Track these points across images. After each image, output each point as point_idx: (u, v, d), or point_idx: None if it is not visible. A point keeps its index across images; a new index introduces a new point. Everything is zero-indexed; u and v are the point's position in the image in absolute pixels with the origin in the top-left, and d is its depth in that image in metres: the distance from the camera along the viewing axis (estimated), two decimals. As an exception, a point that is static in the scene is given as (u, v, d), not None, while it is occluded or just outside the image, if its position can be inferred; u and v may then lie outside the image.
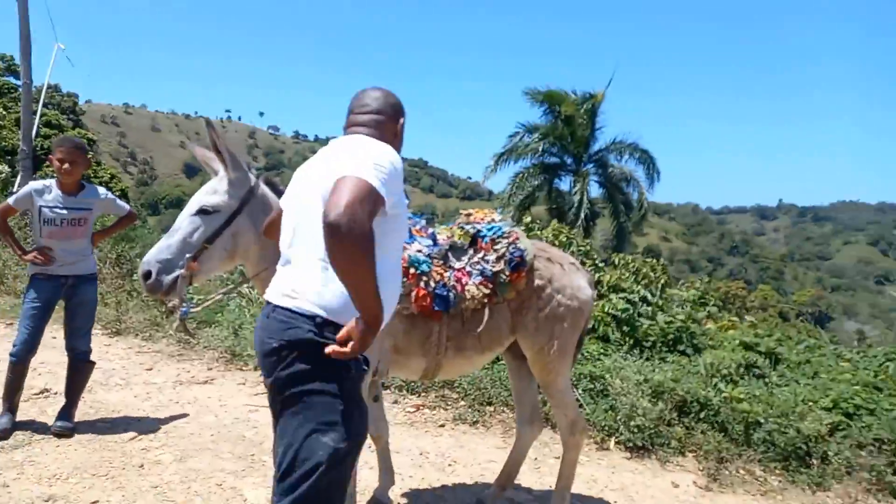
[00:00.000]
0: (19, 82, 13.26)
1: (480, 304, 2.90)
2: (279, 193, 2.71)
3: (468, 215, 3.28)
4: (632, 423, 4.52)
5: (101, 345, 5.94)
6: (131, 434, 4.12)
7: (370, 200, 1.65)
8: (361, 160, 1.75)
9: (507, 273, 2.92)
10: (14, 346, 3.97)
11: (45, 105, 18.21)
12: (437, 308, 2.81)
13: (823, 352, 6.01)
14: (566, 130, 21.69)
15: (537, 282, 3.02)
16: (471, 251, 3.00)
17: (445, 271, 2.87)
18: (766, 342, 5.75)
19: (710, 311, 7.79)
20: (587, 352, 5.75)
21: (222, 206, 2.55)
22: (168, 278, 2.44)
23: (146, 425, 4.31)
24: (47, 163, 4.18)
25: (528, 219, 8.47)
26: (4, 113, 26.75)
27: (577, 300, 3.11)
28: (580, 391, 5.00)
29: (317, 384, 1.76)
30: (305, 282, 1.84)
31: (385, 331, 2.49)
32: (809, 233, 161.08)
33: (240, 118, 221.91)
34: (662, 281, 8.15)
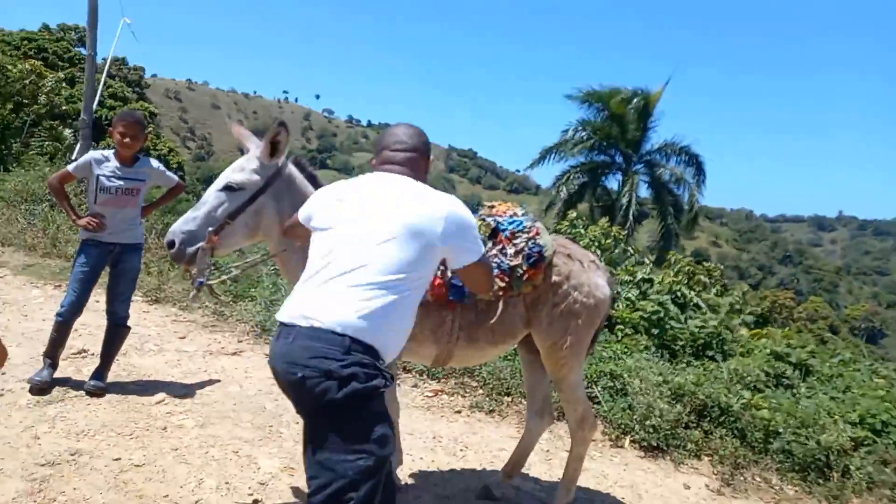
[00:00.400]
0: (89, 53, 13.82)
1: (495, 297, 2.89)
2: (308, 175, 2.82)
3: (491, 207, 3.25)
4: (647, 422, 4.49)
5: (139, 311, 6.18)
6: (158, 398, 4.30)
7: None
8: (475, 239, 2.10)
9: (525, 268, 2.89)
10: (62, 306, 4.17)
11: (111, 77, 18.90)
12: (451, 298, 2.82)
13: (858, 367, 5.83)
14: (616, 129, 21.40)
15: (555, 277, 3.00)
16: (490, 243, 2.96)
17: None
18: (798, 353, 5.61)
19: (745, 319, 7.64)
20: (611, 350, 5.72)
21: (247, 184, 2.63)
22: (191, 249, 2.54)
23: (173, 390, 4.48)
24: (108, 133, 4.36)
25: (574, 214, 8.42)
26: (75, 83, 27.93)
27: (593, 298, 3.08)
28: (599, 388, 4.98)
29: (357, 402, 1.82)
30: (344, 306, 1.86)
31: None
32: (869, 247, 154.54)
33: (296, 100, 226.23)
34: (717, 287, 8.05)
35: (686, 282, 8.09)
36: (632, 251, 8.09)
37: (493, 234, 3.01)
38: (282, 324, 1.96)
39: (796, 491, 4.06)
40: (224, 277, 2.96)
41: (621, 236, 8.19)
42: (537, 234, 2.97)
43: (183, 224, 2.57)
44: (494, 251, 2.92)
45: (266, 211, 2.67)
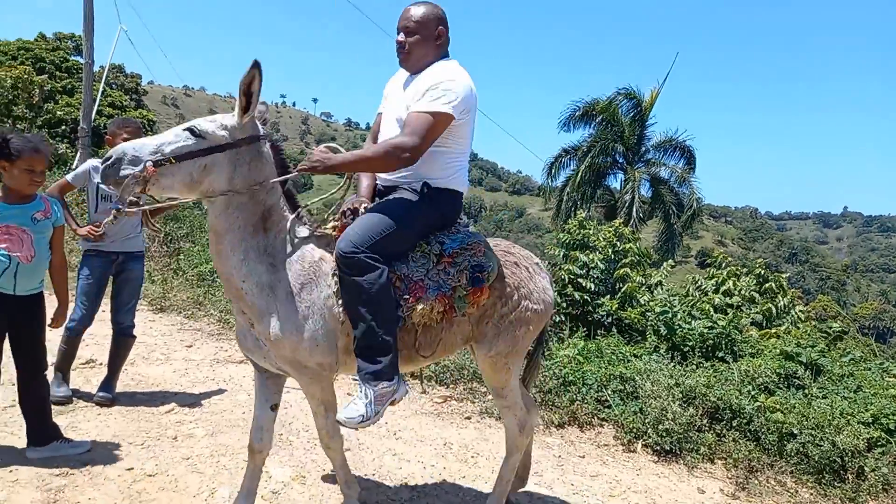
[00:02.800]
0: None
1: (435, 320, 2.68)
2: (280, 162, 2.59)
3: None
4: (660, 426, 4.45)
5: (145, 320, 6.19)
6: (168, 407, 4.30)
7: None
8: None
9: (467, 289, 2.68)
10: (71, 320, 4.11)
11: (108, 85, 18.95)
12: None
13: (869, 366, 5.78)
14: (612, 133, 21.42)
15: (503, 289, 2.84)
16: (433, 261, 2.69)
17: (399, 282, 2.59)
18: (808, 353, 5.56)
19: (755, 318, 7.60)
20: (619, 352, 5.69)
21: (210, 135, 2.41)
22: (125, 171, 2.31)
23: (182, 399, 4.48)
24: (106, 142, 4.34)
25: (583, 214, 8.35)
26: (74, 92, 28.13)
27: (542, 303, 2.97)
28: (609, 391, 4.95)
29: None
30: None
31: (341, 329, 2.55)
32: (875, 243, 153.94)
33: (294, 104, 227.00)
34: (787, 300, 8.03)
35: (757, 287, 8.11)
36: (642, 252, 8.01)
37: (440, 253, 2.73)
38: None
39: (812, 494, 4.02)
40: (145, 207, 2.77)
41: (634, 237, 8.10)
42: (482, 251, 2.76)
43: (132, 147, 2.36)
44: (436, 270, 2.66)
45: (217, 172, 2.42)
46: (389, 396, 2.50)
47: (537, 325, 3.00)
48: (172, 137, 2.40)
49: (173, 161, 2.34)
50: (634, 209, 19.93)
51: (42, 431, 3.42)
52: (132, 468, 3.39)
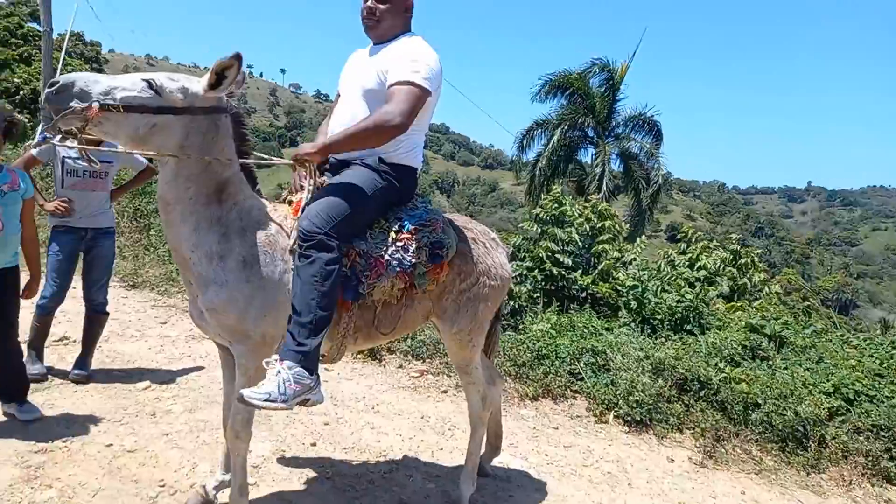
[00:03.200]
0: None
1: (395, 298, 2.68)
2: (239, 136, 2.52)
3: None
4: (631, 397, 4.59)
5: (118, 297, 6.12)
6: (145, 384, 4.29)
7: None
8: None
9: (427, 265, 2.67)
10: (42, 297, 4.08)
11: (67, 54, 18.29)
12: (344, 298, 2.55)
13: (830, 337, 6.01)
14: (583, 107, 21.47)
15: (461, 265, 2.83)
16: (392, 237, 2.66)
17: (359, 258, 2.57)
18: (773, 325, 5.76)
19: (722, 291, 7.80)
20: (591, 326, 5.81)
21: (167, 95, 2.29)
22: (72, 104, 2.17)
23: (159, 376, 4.47)
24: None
25: (558, 189, 8.33)
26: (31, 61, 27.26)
27: (500, 279, 2.98)
28: (582, 364, 5.07)
29: None
30: None
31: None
32: (838, 217, 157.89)
33: (262, 74, 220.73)
34: (760, 276, 8.22)
35: (733, 263, 8.26)
36: (619, 229, 8.10)
37: (398, 230, 2.70)
38: None
39: (776, 461, 4.20)
40: (71, 146, 2.62)
41: (611, 212, 8.13)
42: (440, 227, 2.73)
43: (83, 79, 2.22)
44: (396, 247, 2.63)
45: (166, 134, 2.32)
46: (305, 391, 2.31)
47: (495, 300, 3.03)
48: (128, 84, 2.26)
49: (121, 109, 2.22)
50: (604, 183, 20.08)
51: (18, 390, 3.56)
52: (111, 444, 3.40)
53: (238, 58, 2.27)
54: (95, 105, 2.17)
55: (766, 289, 8.20)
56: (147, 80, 2.28)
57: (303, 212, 2.50)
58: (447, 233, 2.76)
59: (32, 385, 3.81)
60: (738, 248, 8.55)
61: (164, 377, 4.47)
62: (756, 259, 8.40)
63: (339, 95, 2.90)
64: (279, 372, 2.27)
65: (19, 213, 3.37)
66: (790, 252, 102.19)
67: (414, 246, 2.63)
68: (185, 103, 2.32)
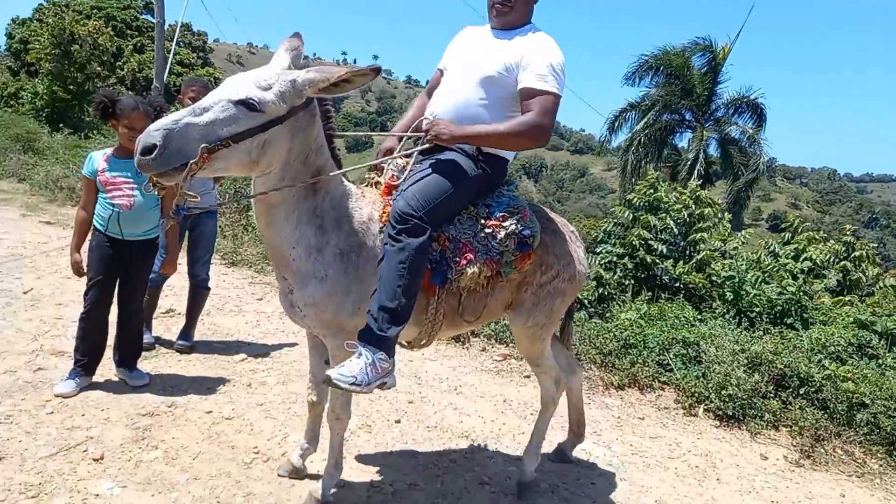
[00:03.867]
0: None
1: (481, 285, 2.64)
2: (327, 115, 2.40)
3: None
4: (724, 391, 4.41)
5: (218, 273, 6.47)
6: (242, 356, 4.53)
7: None
8: None
9: (515, 254, 2.64)
10: (153, 271, 4.39)
11: (177, 44, 19.44)
12: (432, 282, 2.53)
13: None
14: (681, 87, 20.49)
15: (543, 257, 2.79)
16: (480, 224, 2.63)
17: (448, 242, 2.56)
18: (884, 322, 5.34)
19: (828, 284, 7.31)
20: (683, 316, 5.61)
21: (270, 108, 2.09)
22: (173, 160, 1.95)
23: (255, 349, 4.71)
24: (177, 100, 4.51)
25: (653, 174, 7.97)
26: (144, 50, 29.26)
27: (578, 274, 2.92)
28: (671, 355, 4.91)
29: None
30: None
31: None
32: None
33: (355, 61, 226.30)
34: (875, 271, 7.73)
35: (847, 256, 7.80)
36: (719, 216, 7.68)
37: (486, 215, 2.68)
38: None
39: (881, 465, 3.92)
40: (196, 210, 2.56)
41: (712, 200, 7.71)
42: (526, 216, 2.70)
43: (173, 127, 1.94)
44: (484, 233, 2.61)
45: (275, 146, 2.16)
46: (384, 375, 2.31)
47: (572, 295, 2.99)
48: (225, 114, 2.02)
49: (230, 144, 2.02)
50: (697, 169, 19.17)
51: (133, 354, 3.90)
52: (211, 411, 3.62)
53: (377, 71, 2.15)
54: (204, 151, 1.96)
55: (881, 283, 7.58)
56: (243, 103, 2.05)
57: (397, 193, 2.50)
58: (533, 221, 2.72)
59: (142, 353, 4.11)
60: (852, 239, 7.95)
61: (260, 350, 4.70)
62: (870, 252, 7.79)
63: (442, 71, 2.83)
64: (361, 355, 2.28)
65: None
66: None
67: (503, 233, 2.60)
68: (287, 108, 2.15)
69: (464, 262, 2.54)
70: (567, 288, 2.90)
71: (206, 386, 3.95)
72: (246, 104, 2.05)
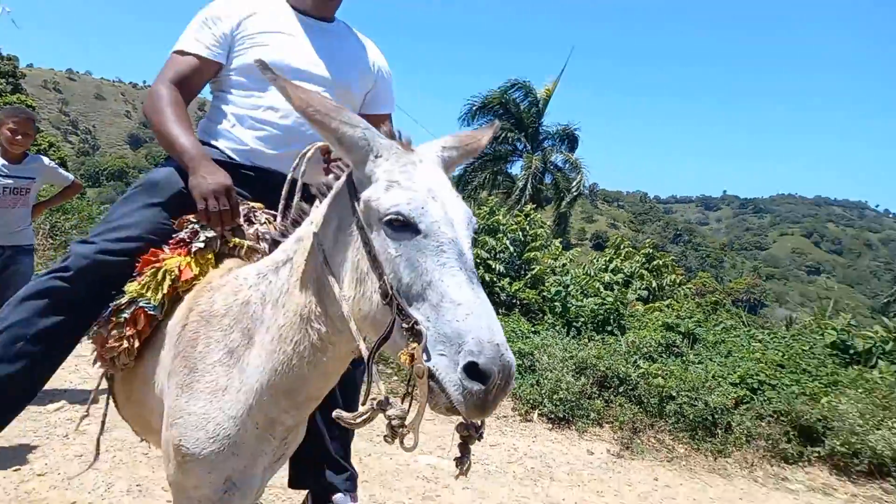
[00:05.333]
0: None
1: None
2: None
3: None
4: (555, 396, 4.75)
5: (28, 317, 5.83)
6: (58, 404, 4.10)
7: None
8: None
9: None
10: None
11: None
12: None
13: (738, 333, 6.40)
14: (514, 122, 22.16)
15: None
16: None
17: None
18: (686, 323, 6.08)
19: (641, 293, 8.17)
20: (519, 330, 5.97)
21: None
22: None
23: (73, 396, 4.29)
24: None
25: (492, 200, 8.61)
26: None
27: None
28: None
29: None
30: None
31: None
32: (749, 224, 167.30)
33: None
34: (672, 277, 8.58)
35: (647, 265, 8.62)
36: (547, 234, 8.42)
37: None
38: None
39: (686, 448, 4.44)
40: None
41: (543, 222, 8.47)
42: None
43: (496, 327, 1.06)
44: None
45: None
46: None
47: None
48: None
49: None
50: (526, 194, 20.65)
51: None
52: (19, 469, 3.24)
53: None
54: None
55: (685, 290, 8.68)
56: None
57: None
58: None
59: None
60: (651, 251, 9.00)
61: (79, 397, 4.28)
62: (669, 261, 8.87)
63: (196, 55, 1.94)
64: None
65: None
66: (706, 256, 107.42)
67: None
68: None
69: None
70: None
71: (16, 442, 3.53)
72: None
